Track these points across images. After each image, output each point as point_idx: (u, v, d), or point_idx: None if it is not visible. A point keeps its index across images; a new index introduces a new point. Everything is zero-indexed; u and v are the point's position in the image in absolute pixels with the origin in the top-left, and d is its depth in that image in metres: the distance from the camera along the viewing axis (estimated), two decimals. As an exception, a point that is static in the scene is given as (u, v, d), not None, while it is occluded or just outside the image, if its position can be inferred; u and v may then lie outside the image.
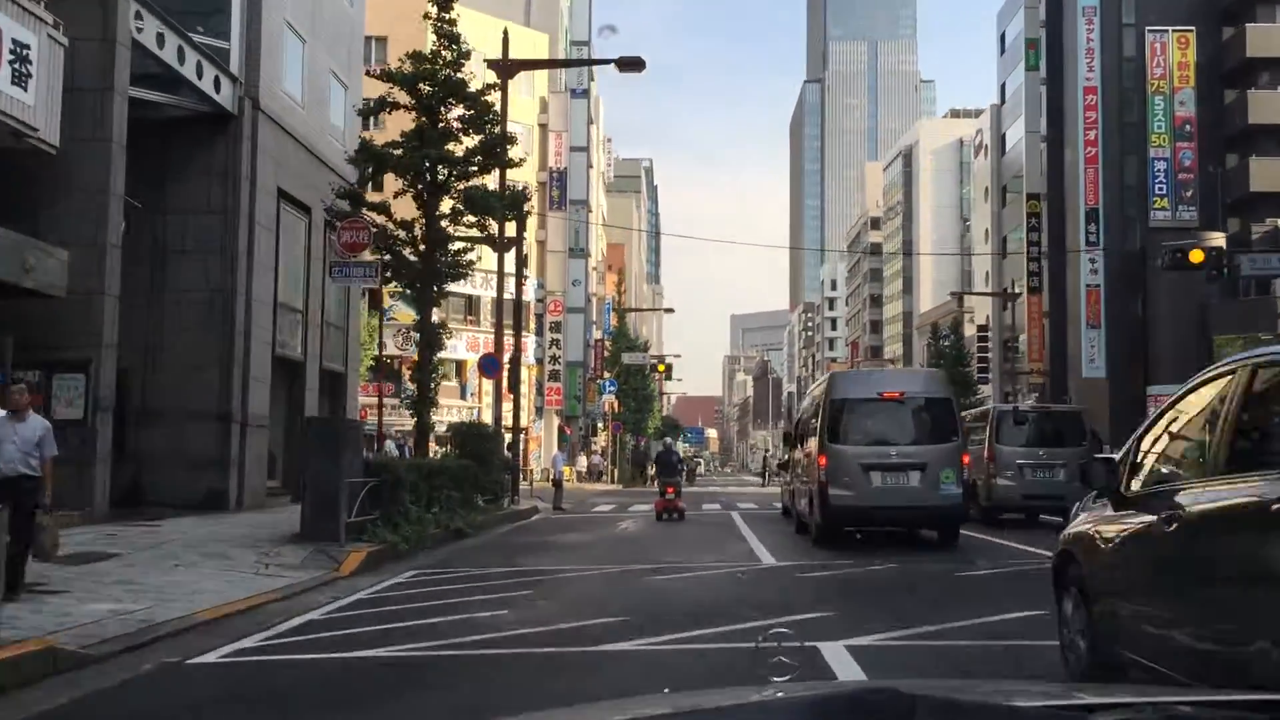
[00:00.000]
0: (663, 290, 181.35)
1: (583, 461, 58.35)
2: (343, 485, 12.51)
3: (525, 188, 22.43)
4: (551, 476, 27.05)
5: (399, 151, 19.91)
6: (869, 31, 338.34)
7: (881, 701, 1.56)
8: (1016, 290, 63.20)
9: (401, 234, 19.96)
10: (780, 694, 1.94)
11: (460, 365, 52.54)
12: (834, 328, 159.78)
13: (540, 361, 54.95)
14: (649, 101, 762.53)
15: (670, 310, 56.75)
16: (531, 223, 55.45)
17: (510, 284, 26.40)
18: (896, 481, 14.33)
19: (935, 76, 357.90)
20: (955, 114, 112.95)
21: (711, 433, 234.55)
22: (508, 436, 27.12)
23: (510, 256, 26.14)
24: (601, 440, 63.32)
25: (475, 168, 20.57)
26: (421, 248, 19.85)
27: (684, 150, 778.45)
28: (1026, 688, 2.46)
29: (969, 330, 74.76)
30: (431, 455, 22.14)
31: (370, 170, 20.14)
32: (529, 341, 55.15)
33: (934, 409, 15.23)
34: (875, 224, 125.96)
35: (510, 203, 21.51)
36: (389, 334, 52.14)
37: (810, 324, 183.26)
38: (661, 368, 56.34)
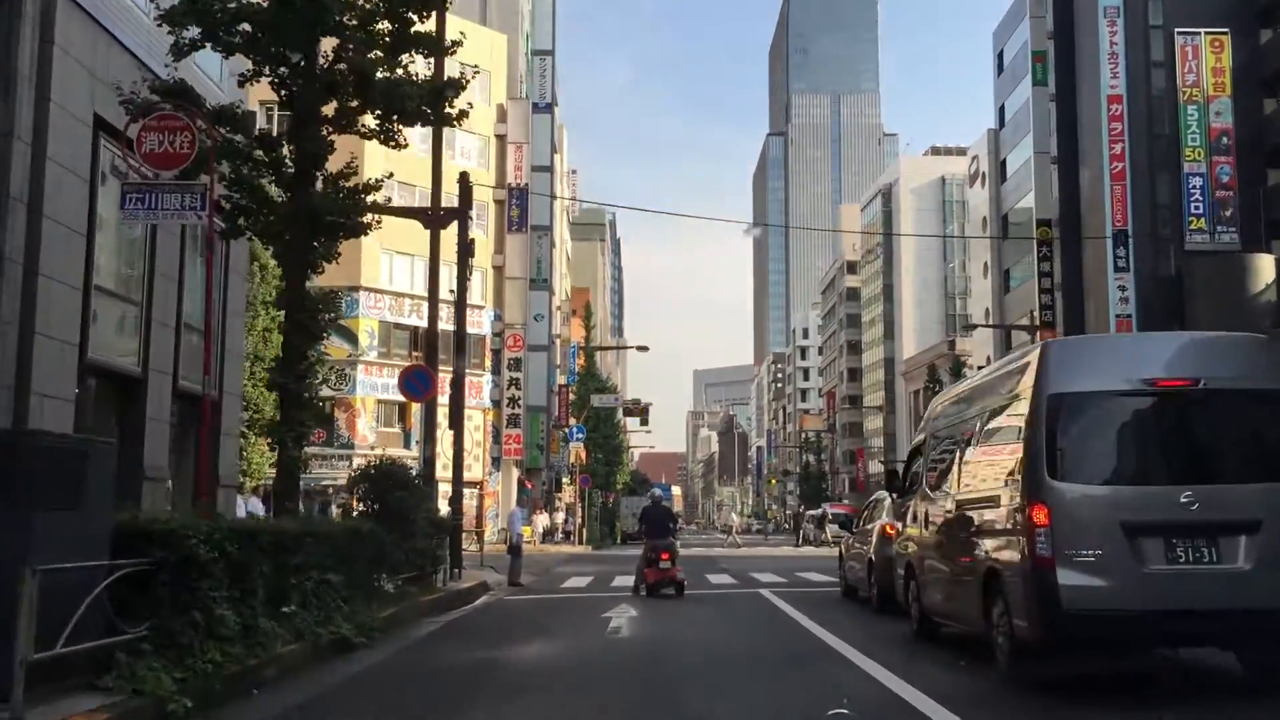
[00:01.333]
0: (626, 343, 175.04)
1: (544, 520, 51.03)
2: (26, 576, 5.47)
3: (463, 75, 14.16)
4: (508, 541, 19.79)
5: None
6: (831, 85, 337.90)
7: None
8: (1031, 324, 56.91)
9: (258, 152, 12.70)
10: None
11: (404, 407, 45.25)
12: (806, 378, 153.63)
13: (497, 404, 47.89)
14: (607, 157, 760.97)
15: (644, 348, 49.73)
16: (486, 245, 48.54)
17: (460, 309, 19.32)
18: (1199, 557, 7.15)
19: (899, 130, 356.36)
20: (936, 151, 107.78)
21: (676, 490, 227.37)
22: (444, 486, 20.08)
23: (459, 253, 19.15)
24: (567, 495, 56.15)
25: (381, 46, 12.94)
26: (289, 170, 12.70)
27: (643, 204, 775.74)
28: None
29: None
30: (331, 514, 14.84)
31: (197, 36, 12.30)
32: (484, 381, 47.98)
33: (1265, 410, 7.79)
34: (852, 268, 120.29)
35: (430, 96, 14.08)
36: (319, 371, 44.93)
37: (780, 375, 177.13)
38: (639, 410, 49.34)
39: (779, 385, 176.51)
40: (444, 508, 19.83)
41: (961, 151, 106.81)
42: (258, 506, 23.64)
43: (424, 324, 46.36)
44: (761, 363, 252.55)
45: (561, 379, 67.99)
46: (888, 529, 12.79)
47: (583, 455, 53.80)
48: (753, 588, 18.61)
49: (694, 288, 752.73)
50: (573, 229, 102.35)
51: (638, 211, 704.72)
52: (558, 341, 70.43)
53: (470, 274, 19.77)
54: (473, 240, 19.85)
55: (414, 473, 14.31)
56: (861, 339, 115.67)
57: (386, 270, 44.68)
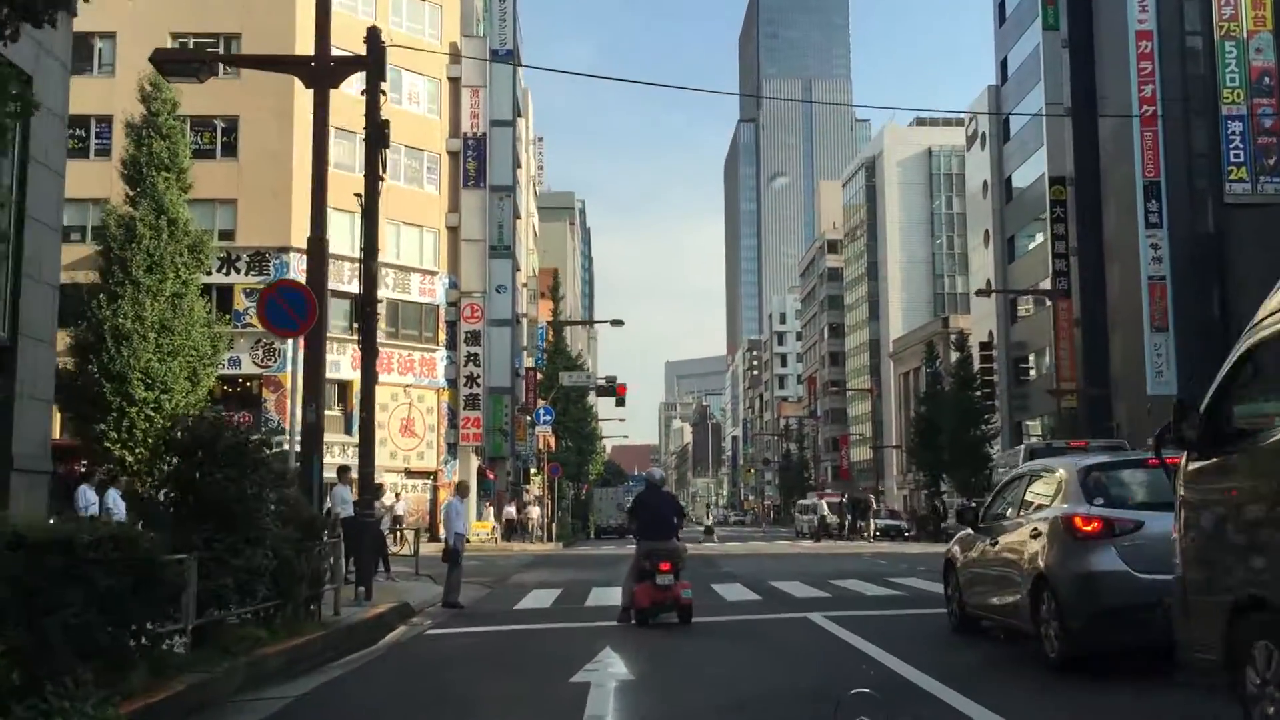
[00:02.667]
0: (597, 334, 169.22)
1: (512, 512, 45.37)
2: None
3: None
4: (446, 546, 13.94)
5: None
6: (803, 70, 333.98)
7: None
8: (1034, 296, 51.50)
9: None
10: None
11: (344, 387, 39.41)
12: (784, 364, 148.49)
13: (453, 383, 42.11)
14: (571, 146, 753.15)
15: (619, 323, 44.12)
16: (440, 201, 42.73)
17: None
18: None
19: (870, 116, 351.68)
20: (921, 121, 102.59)
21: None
22: (331, 459, 14.42)
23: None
24: (535, 487, 50.51)
25: None
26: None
27: (611, 200, 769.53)
28: None
29: (954, 355, 62.86)
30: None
31: None
32: (438, 357, 42.17)
33: None
34: (833, 247, 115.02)
35: None
36: (244, 345, 39.24)
37: (756, 362, 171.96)
38: (614, 390, 43.53)
39: (755, 373, 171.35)
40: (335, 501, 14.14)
41: (950, 121, 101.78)
42: (118, 502, 17.80)
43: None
44: (735, 352, 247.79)
45: (529, 362, 62.18)
46: (1081, 523, 7.28)
47: (551, 442, 48.06)
48: (789, 609, 12.98)
49: (665, 279, 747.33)
50: (541, 211, 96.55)
51: (608, 205, 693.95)
52: (524, 321, 64.60)
53: (384, 174, 14.04)
54: (387, 121, 14.10)
55: (262, 440, 8.60)
56: (844, 321, 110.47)
57: (329, 232, 38.74)
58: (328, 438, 39.04)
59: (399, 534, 36.58)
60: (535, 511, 44.12)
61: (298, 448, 12.60)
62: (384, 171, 13.98)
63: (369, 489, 13.94)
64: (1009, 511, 9.15)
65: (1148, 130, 43.11)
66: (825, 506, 57.60)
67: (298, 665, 8.79)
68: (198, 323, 32.16)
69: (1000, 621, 8.90)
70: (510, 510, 45.80)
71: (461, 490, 17.03)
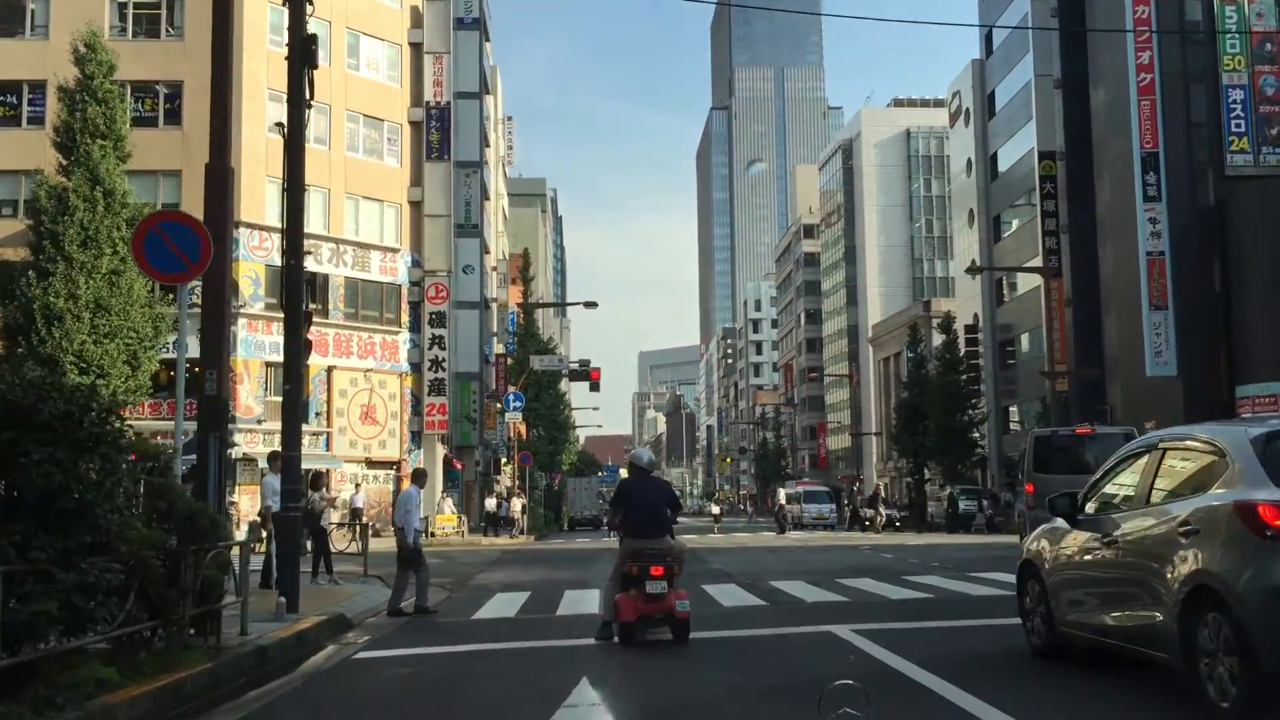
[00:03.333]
0: (570, 323, 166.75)
1: (492, 505, 42.98)
2: None
3: None
4: (400, 544, 11.56)
5: None
6: (775, 58, 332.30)
7: None
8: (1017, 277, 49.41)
9: None
10: None
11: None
12: (759, 352, 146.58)
13: (417, 368, 39.64)
14: (543, 137, 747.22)
15: (592, 304, 41.77)
16: (401, 175, 40.27)
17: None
18: None
19: (843, 104, 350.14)
20: (899, 102, 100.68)
21: (623, 472, 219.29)
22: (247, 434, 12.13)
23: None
24: (506, 477, 48.11)
25: None
26: None
27: (585, 191, 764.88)
28: None
29: (938, 339, 60.93)
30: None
31: None
32: (400, 340, 39.76)
33: None
34: (810, 232, 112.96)
35: None
36: (191, 328, 36.34)
37: (731, 350, 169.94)
38: (588, 375, 41.09)
39: (729, 361, 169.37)
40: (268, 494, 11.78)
41: (927, 102, 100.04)
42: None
43: (322, 269, 38.04)
44: (708, 341, 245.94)
45: (499, 348, 59.77)
46: (1272, 514, 5.01)
47: (522, 430, 45.72)
48: (804, 619, 10.71)
49: (637, 271, 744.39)
50: (512, 197, 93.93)
51: (579, 199, 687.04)
52: (494, 306, 62.19)
53: (311, 99, 11.63)
54: (314, 36, 11.66)
55: (105, 407, 6.21)
56: (821, 307, 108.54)
57: (275, 203, 36.23)
58: (271, 426, 36.65)
59: (357, 528, 34.25)
60: (519, 504, 41.58)
61: (250, 443, 10.25)
62: (311, 96, 11.58)
63: (294, 476, 11.54)
64: (1126, 497, 6.83)
65: (1145, 100, 41.11)
66: (783, 496, 55.05)
67: (166, 713, 6.48)
68: (137, 302, 29.85)
69: (1117, 646, 6.57)
70: (490, 503, 43.35)
71: (418, 479, 14.71)
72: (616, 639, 9.28)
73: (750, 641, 9.44)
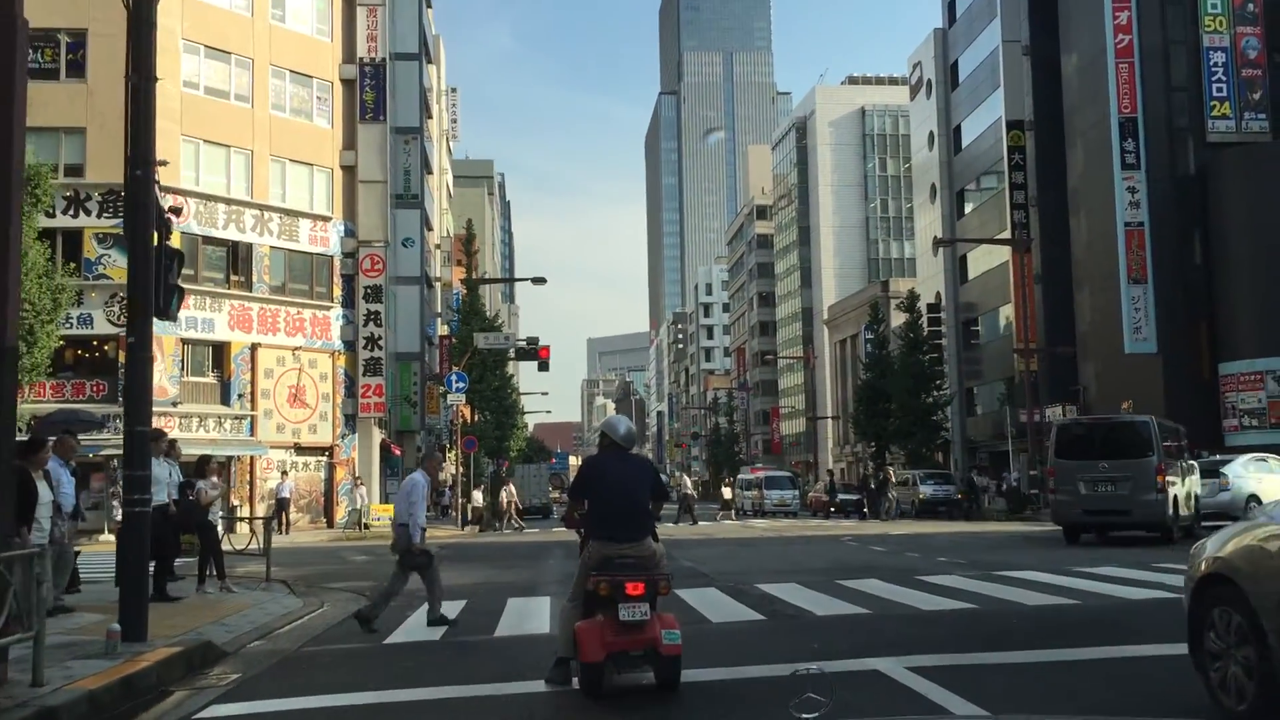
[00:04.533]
0: (518, 310, 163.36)
1: (478, 498, 40.20)
2: None
3: None
4: (399, 544, 8.77)
5: None
6: (723, 43, 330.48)
7: None
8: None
9: None
10: None
11: (220, 349, 33.76)
12: (710, 336, 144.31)
13: (351, 346, 36.59)
14: (495, 127, 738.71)
15: (541, 280, 38.86)
16: (333, 136, 37.19)
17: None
18: None
19: (791, 89, 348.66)
20: (854, 80, 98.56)
21: (573, 460, 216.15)
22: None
23: None
24: (450, 466, 45.20)
25: None
26: None
27: (533, 179, 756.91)
28: None
29: (897, 320, 58.77)
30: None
31: None
32: (333, 315, 36.70)
33: None
34: (762, 213, 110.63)
35: None
36: (97, 301, 33.27)
37: (681, 335, 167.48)
38: (544, 352, 38.14)
39: (680, 346, 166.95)
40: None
41: (882, 80, 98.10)
42: None
43: (245, 238, 34.86)
44: (658, 327, 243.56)
45: (443, 329, 56.71)
46: None
47: (466, 413, 42.81)
48: (828, 647, 8.04)
49: (586, 259, 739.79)
50: (459, 179, 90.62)
51: (526, 188, 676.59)
52: (438, 285, 59.13)
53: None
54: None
55: None
56: (775, 290, 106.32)
57: (192, 164, 33.00)
58: (198, 408, 33.38)
59: (282, 521, 31.29)
60: (505, 495, 38.10)
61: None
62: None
63: (142, 459, 8.67)
64: None
65: (1123, 62, 39.03)
66: (738, 482, 52.15)
67: None
68: (35, 272, 26.64)
69: None
70: (477, 495, 40.30)
71: (433, 467, 11.96)
72: (576, 684, 6.59)
73: (767, 688, 6.56)
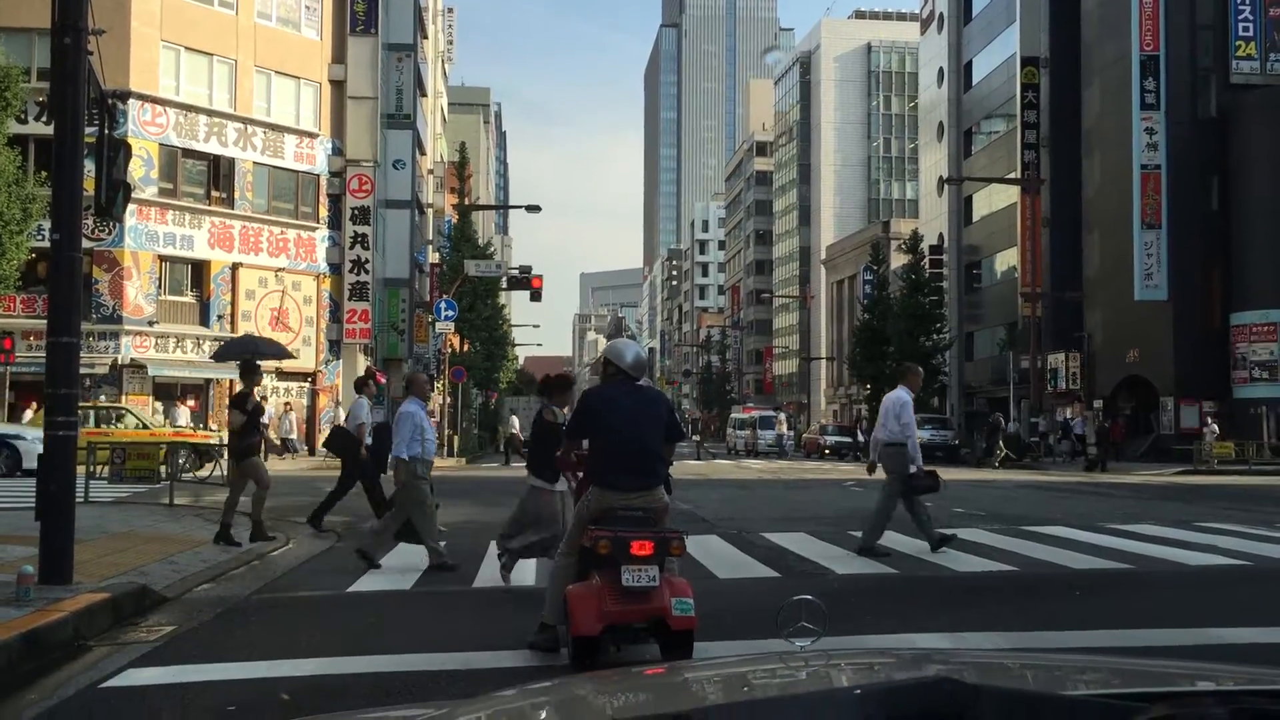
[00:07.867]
0: (511, 242, 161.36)
1: (515, 425, 37.24)
2: None
3: None
4: (400, 482, 7.69)
5: None
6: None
7: (940, 695, 1.43)
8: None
9: None
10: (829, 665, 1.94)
11: (200, 268, 32.47)
12: (705, 273, 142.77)
13: (337, 269, 35.32)
14: (490, 50, 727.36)
15: (535, 208, 37.53)
16: (320, 48, 35.58)
17: None
18: None
19: (795, 25, 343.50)
20: (861, 14, 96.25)
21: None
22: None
23: None
24: (438, 395, 44.15)
25: None
26: None
27: (530, 110, 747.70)
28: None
29: (897, 261, 57.59)
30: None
31: None
32: (319, 237, 35.38)
33: None
34: (762, 149, 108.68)
35: None
36: (70, 214, 31.73)
37: (676, 272, 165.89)
38: (537, 281, 36.81)
39: (674, 283, 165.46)
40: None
41: (890, 15, 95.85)
42: None
43: (227, 152, 33.39)
44: (652, 264, 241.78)
45: (434, 257, 55.35)
46: None
47: (456, 342, 41.64)
48: (856, 619, 6.79)
49: (582, 193, 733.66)
50: (453, 106, 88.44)
51: (522, 120, 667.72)
52: (430, 212, 57.64)
53: None
54: None
55: None
56: (772, 228, 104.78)
57: (172, 73, 31.43)
58: (175, 329, 32.15)
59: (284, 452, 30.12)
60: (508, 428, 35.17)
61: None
62: None
63: (69, 376, 7.50)
64: None
65: (1148, -4, 37.43)
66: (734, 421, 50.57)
67: None
68: (4, 180, 25.45)
69: None
70: (514, 424, 37.67)
71: (421, 388, 10.52)
72: (568, 657, 5.51)
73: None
